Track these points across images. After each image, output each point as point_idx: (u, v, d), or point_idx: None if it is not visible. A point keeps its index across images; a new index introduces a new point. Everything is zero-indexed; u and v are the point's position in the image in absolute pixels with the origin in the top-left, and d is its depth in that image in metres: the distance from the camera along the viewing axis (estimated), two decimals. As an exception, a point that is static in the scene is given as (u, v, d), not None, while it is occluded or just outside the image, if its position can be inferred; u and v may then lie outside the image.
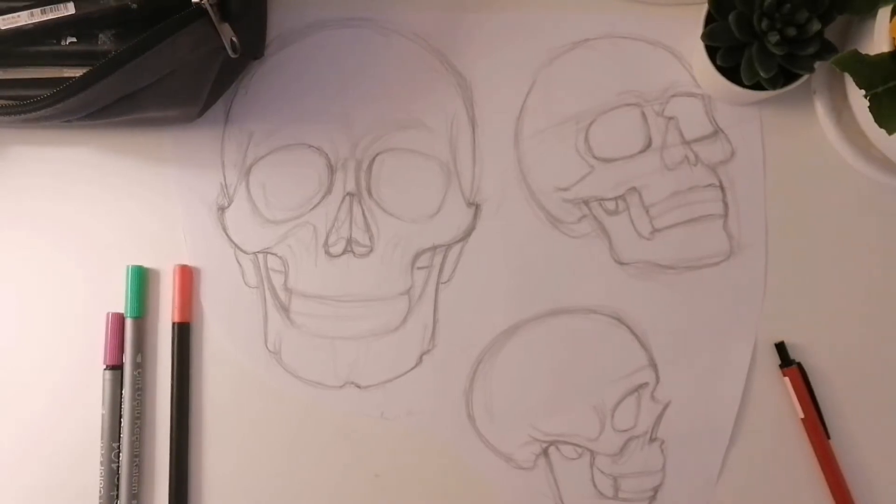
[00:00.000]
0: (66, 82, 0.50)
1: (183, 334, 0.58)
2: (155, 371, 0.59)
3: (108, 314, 0.58)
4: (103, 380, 0.58)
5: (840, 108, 0.58)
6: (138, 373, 0.58)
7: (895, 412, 0.58)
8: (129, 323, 0.58)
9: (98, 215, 0.60)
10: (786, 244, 0.59)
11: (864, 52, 0.50)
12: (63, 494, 0.58)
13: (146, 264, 0.59)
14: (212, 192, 0.59)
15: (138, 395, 0.58)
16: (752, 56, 0.52)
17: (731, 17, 0.52)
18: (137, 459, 0.57)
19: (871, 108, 0.49)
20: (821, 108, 0.59)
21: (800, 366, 0.57)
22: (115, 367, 0.58)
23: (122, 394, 0.58)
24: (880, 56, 0.49)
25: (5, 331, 0.59)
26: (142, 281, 0.59)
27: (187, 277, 0.59)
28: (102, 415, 0.57)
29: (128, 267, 0.58)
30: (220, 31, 0.51)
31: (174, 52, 0.50)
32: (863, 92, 0.49)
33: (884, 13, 0.51)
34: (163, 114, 0.56)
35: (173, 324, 0.58)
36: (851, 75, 0.49)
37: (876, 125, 0.49)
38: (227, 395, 0.58)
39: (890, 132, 0.49)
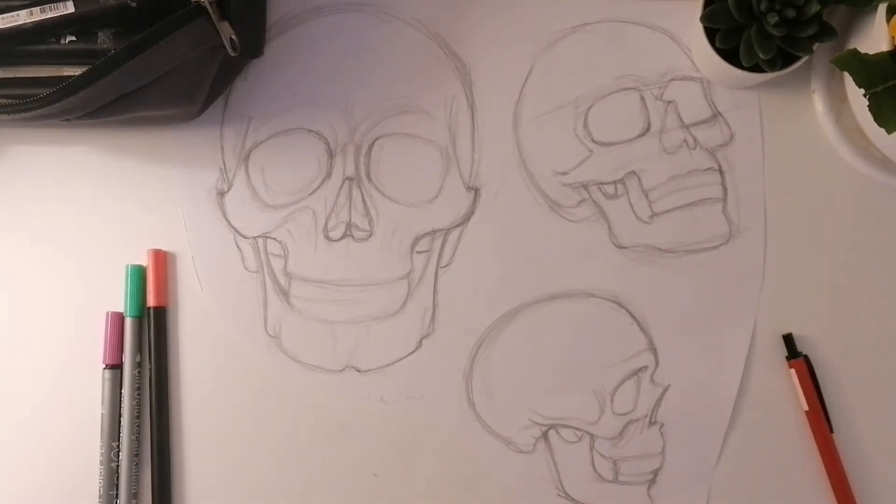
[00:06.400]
0: (66, 81, 0.50)
1: (159, 319, 0.58)
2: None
3: (107, 313, 0.58)
4: (103, 379, 0.58)
5: (839, 108, 0.58)
6: (138, 372, 0.58)
7: (899, 408, 0.58)
8: (128, 322, 0.58)
9: (98, 214, 0.60)
10: (785, 230, 0.59)
11: (864, 47, 0.50)
12: (63, 494, 0.58)
13: (146, 263, 0.59)
14: (211, 177, 0.59)
15: (138, 395, 0.58)
16: (751, 38, 0.52)
17: (729, -1, 0.52)
18: (137, 458, 0.57)
19: (870, 108, 0.49)
20: (820, 107, 0.59)
21: (806, 358, 0.57)
22: (115, 367, 0.58)
23: (121, 393, 0.58)
24: (879, 55, 0.49)
25: (5, 330, 0.59)
26: (141, 280, 0.59)
27: (161, 261, 0.59)
28: (102, 414, 0.57)
29: (127, 266, 0.59)
30: (219, 29, 0.51)
31: (173, 51, 0.51)
32: (862, 91, 0.49)
33: (882, 12, 0.51)
34: (162, 112, 0.56)
35: (149, 308, 0.58)
36: (851, 75, 0.49)
37: (875, 124, 0.49)
38: (224, 379, 0.59)
39: (889, 131, 0.49)
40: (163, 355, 0.58)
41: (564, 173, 0.59)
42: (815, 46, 0.53)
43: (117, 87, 0.51)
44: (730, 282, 0.59)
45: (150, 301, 0.58)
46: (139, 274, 0.59)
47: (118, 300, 0.59)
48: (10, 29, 0.53)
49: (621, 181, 0.59)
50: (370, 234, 0.59)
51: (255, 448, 0.58)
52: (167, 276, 0.59)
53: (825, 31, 0.53)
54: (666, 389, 0.58)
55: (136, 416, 0.58)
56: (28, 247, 0.60)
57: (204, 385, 0.59)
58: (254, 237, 0.59)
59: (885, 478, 0.58)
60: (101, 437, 0.57)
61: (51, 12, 0.53)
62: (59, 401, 0.58)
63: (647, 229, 0.59)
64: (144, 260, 0.59)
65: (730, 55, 0.54)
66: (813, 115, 0.59)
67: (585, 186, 0.59)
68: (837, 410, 0.58)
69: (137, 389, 0.58)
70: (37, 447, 0.58)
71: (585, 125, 0.59)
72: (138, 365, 0.58)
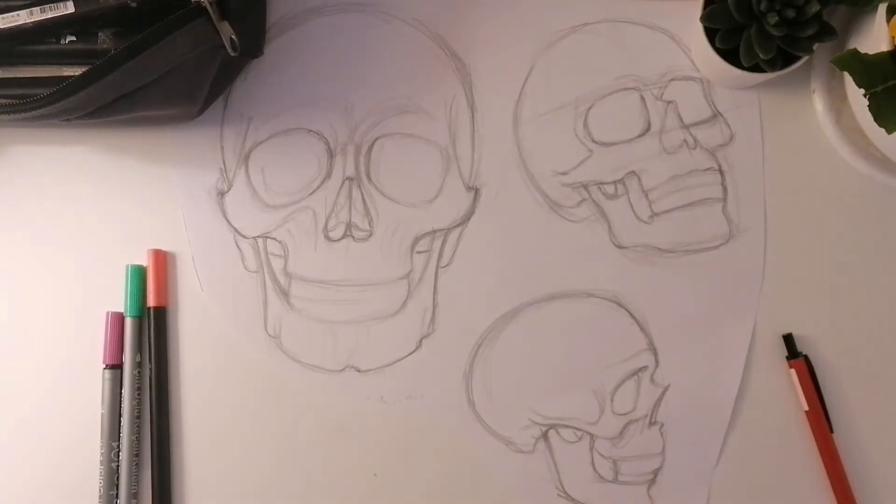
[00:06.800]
0: (66, 81, 0.50)
1: (159, 319, 0.58)
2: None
3: (107, 313, 0.58)
4: (103, 379, 0.58)
5: (839, 108, 0.58)
6: (138, 372, 0.58)
7: (898, 408, 0.58)
8: (128, 322, 0.58)
9: (98, 214, 0.60)
10: (785, 230, 0.59)
11: (864, 47, 0.50)
12: (63, 494, 0.58)
13: (146, 262, 0.59)
14: (211, 177, 0.59)
15: (138, 395, 0.58)
16: (751, 38, 0.52)
17: (729, -1, 0.52)
18: (137, 459, 0.57)
19: (870, 108, 0.49)
20: (820, 107, 0.59)
21: (806, 358, 0.57)
22: (115, 367, 0.58)
23: (121, 393, 0.58)
24: (879, 55, 0.49)
25: (5, 330, 0.59)
26: (141, 280, 0.58)
27: (161, 261, 0.59)
28: (102, 414, 0.57)
29: (127, 266, 0.58)
30: (219, 29, 0.51)
31: (173, 51, 0.50)
32: (862, 91, 0.49)
33: (882, 12, 0.51)
34: (162, 112, 0.56)
35: (149, 308, 0.58)
36: (851, 75, 0.49)
37: (875, 124, 0.49)
38: (224, 379, 0.59)
39: (889, 131, 0.49)
40: (163, 355, 0.58)
41: (564, 173, 0.59)
42: (815, 46, 0.53)
43: (117, 88, 0.51)
44: (730, 282, 0.59)
45: (151, 301, 0.58)
46: (139, 274, 0.58)
47: (118, 300, 0.59)
48: (11, 29, 0.53)
49: (621, 181, 0.59)
50: (370, 234, 0.59)
51: (255, 448, 0.58)
52: (167, 276, 0.59)
53: (825, 31, 0.53)
54: (666, 389, 0.58)
55: (136, 417, 0.58)
56: (28, 246, 0.59)
57: (204, 385, 0.59)
58: (254, 237, 0.59)
59: (886, 478, 0.58)
60: (101, 437, 0.57)
61: (51, 12, 0.53)
62: (60, 401, 0.58)
63: (647, 229, 0.59)
64: (144, 260, 0.59)
65: (730, 55, 0.54)
66: (813, 115, 0.59)
67: (585, 186, 0.59)
68: (837, 410, 0.58)
69: (138, 390, 0.58)
70: (37, 447, 0.58)
71: (585, 125, 0.59)
72: (138, 365, 0.58)
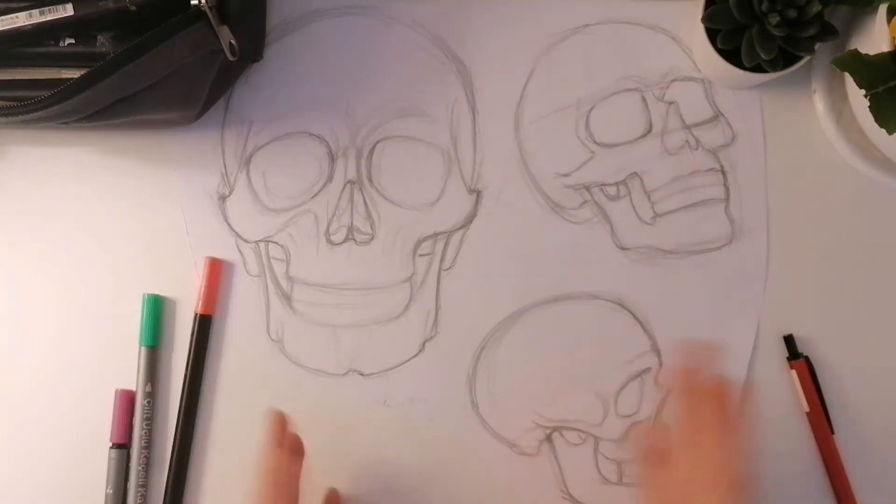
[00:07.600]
0: (65, 84, 0.49)
1: (204, 326, 0.58)
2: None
3: (116, 391, 0.58)
4: (109, 458, 0.57)
5: (840, 108, 0.58)
6: (148, 402, 0.58)
7: (899, 409, 0.58)
8: (142, 352, 0.58)
9: (98, 217, 0.59)
10: (788, 231, 0.59)
11: (865, 48, 0.50)
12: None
13: (146, 262, 0.59)
14: (212, 182, 0.59)
15: (147, 425, 0.58)
16: (753, 38, 0.52)
17: (731, -1, 0.52)
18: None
19: (871, 108, 0.49)
20: (821, 108, 0.59)
21: (807, 359, 0.57)
22: (122, 446, 0.57)
23: (129, 466, 0.57)
24: (880, 56, 0.50)
25: (4, 336, 0.59)
26: (157, 309, 0.58)
27: (216, 269, 0.58)
28: (107, 493, 0.57)
29: (144, 295, 0.58)
30: (218, 33, 0.51)
31: (173, 55, 0.50)
32: (863, 92, 0.49)
33: (883, 13, 0.51)
34: (161, 116, 0.56)
35: (196, 314, 0.58)
36: (851, 75, 0.49)
37: (876, 125, 0.49)
38: (226, 384, 0.59)
39: (890, 132, 0.49)
40: (200, 363, 0.58)
41: (566, 175, 0.59)
42: (817, 46, 0.53)
43: (115, 91, 0.51)
44: (733, 282, 0.59)
45: (199, 308, 0.58)
46: (155, 303, 0.58)
47: (118, 301, 0.59)
48: (9, 31, 0.53)
49: (623, 182, 0.59)
50: (372, 238, 0.59)
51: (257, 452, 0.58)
52: (219, 285, 0.59)
53: (826, 31, 0.53)
54: (670, 391, 0.58)
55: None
56: (26, 247, 0.59)
57: (205, 389, 0.58)
58: (255, 241, 0.59)
59: (886, 479, 0.58)
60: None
61: (50, 14, 0.53)
62: (59, 401, 0.58)
63: (649, 230, 0.59)
64: (148, 261, 0.59)
65: (731, 55, 0.54)
66: (814, 116, 0.59)
67: (587, 188, 0.59)
68: (838, 411, 0.58)
69: (147, 419, 0.58)
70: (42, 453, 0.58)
71: (587, 126, 0.59)
72: (149, 395, 0.58)
